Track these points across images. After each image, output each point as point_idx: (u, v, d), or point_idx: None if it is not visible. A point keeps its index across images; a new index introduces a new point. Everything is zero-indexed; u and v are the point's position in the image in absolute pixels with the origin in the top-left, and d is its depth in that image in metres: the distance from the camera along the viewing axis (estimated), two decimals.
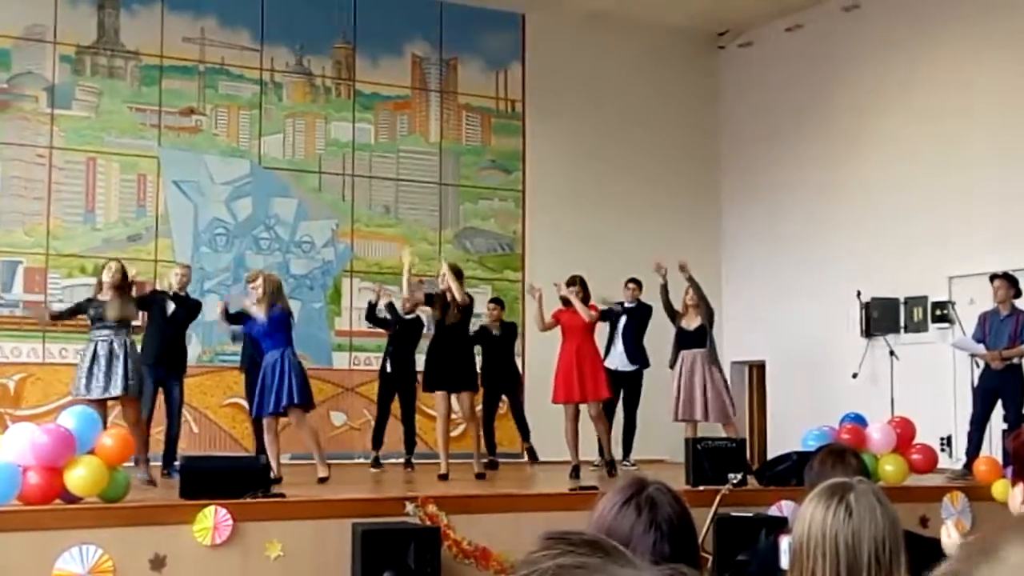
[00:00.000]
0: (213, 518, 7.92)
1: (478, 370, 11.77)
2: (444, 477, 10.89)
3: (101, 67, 14.05)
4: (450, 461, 11.05)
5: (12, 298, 13.37)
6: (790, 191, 15.73)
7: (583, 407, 11.73)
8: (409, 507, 8.58)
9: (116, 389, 9.86)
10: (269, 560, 8.07)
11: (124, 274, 10.44)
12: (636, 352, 13.22)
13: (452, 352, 11.05)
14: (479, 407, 12.44)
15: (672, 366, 12.41)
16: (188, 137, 14.35)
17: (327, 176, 14.96)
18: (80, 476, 7.78)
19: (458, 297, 11.06)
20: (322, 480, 10.21)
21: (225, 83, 14.61)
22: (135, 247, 13.77)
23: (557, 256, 15.15)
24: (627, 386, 13.17)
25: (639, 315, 13.34)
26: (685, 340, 12.35)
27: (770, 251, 15.92)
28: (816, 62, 15.51)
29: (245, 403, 12.53)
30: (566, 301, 11.75)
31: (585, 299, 11.69)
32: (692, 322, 12.35)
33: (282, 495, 8.67)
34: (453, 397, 11.19)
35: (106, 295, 10.27)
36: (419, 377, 12.04)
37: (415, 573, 7.99)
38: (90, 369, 9.91)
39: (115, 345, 9.97)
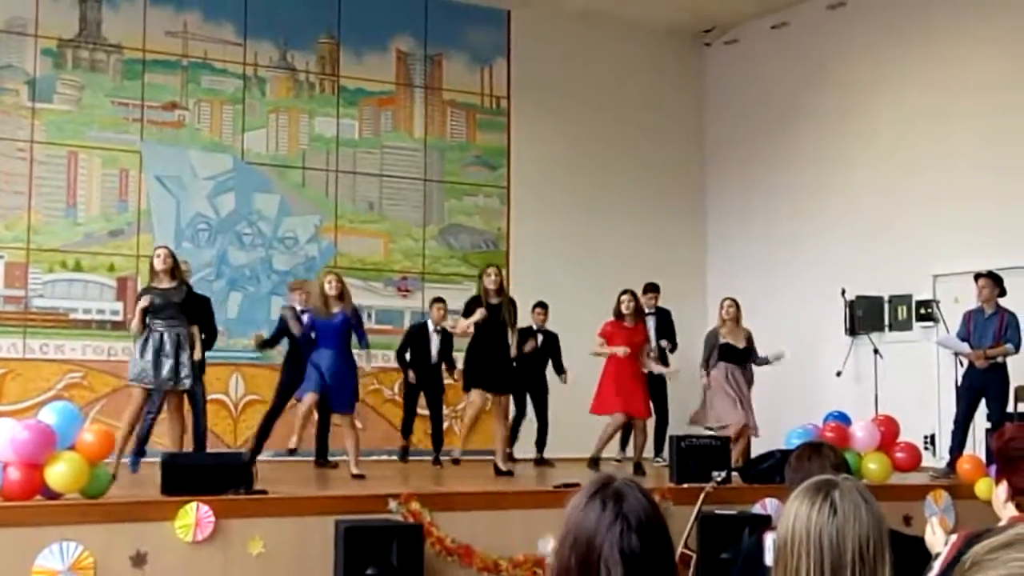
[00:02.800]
0: (195, 514, 7.88)
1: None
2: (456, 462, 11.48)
3: (83, 61, 13.97)
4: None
5: None
6: (775, 189, 15.74)
7: None
8: (392, 504, 8.55)
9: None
10: (251, 557, 8.03)
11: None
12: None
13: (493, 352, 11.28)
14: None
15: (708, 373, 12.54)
16: (171, 132, 14.28)
17: (311, 172, 14.91)
18: (61, 472, 7.72)
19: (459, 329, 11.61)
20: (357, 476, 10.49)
21: (208, 77, 14.55)
22: (117, 242, 13.71)
23: (541, 253, 15.18)
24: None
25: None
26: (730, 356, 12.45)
27: (755, 249, 15.92)
28: (802, 60, 15.52)
29: (228, 400, 12.55)
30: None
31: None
32: (740, 340, 12.46)
33: (264, 492, 8.62)
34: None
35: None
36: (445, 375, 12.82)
37: (398, 570, 7.96)
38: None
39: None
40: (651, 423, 12.96)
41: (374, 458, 12.66)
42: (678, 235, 16.49)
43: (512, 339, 11.46)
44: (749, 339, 12.63)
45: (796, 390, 14.25)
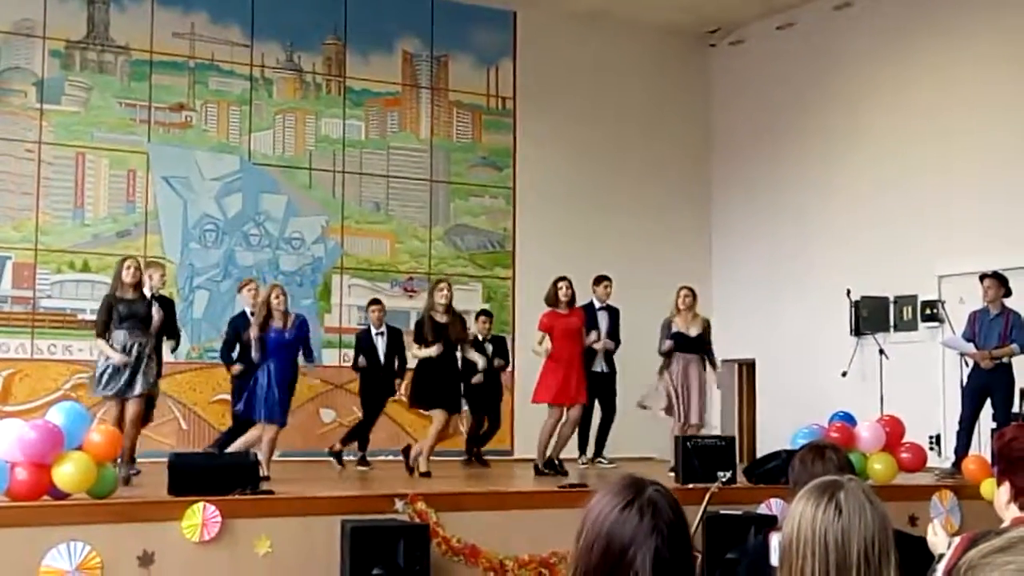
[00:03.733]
0: (202, 515, 7.90)
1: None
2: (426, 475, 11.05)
3: (91, 62, 14.01)
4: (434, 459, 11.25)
5: (0, 294, 13.33)
6: (781, 189, 15.74)
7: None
8: (398, 504, 8.58)
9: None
10: (258, 557, 8.05)
11: None
12: None
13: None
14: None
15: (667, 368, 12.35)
16: (178, 133, 14.31)
17: (317, 172, 14.93)
18: (68, 472, 7.76)
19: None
20: None
21: (215, 79, 14.58)
22: (124, 243, 13.72)
23: (547, 253, 15.17)
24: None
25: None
26: (685, 345, 12.31)
27: (760, 249, 15.92)
28: (807, 60, 15.52)
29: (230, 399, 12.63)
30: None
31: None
32: (692, 328, 12.30)
33: (271, 492, 8.65)
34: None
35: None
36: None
37: (404, 570, 7.98)
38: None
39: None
40: (596, 421, 12.93)
41: (380, 458, 12.68)
42: (683, 235, 16.49)
43: (473, 357, 11.72)
44: (705, 328, 12.42)
45: (801, 390, 14.25)
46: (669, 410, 12.11)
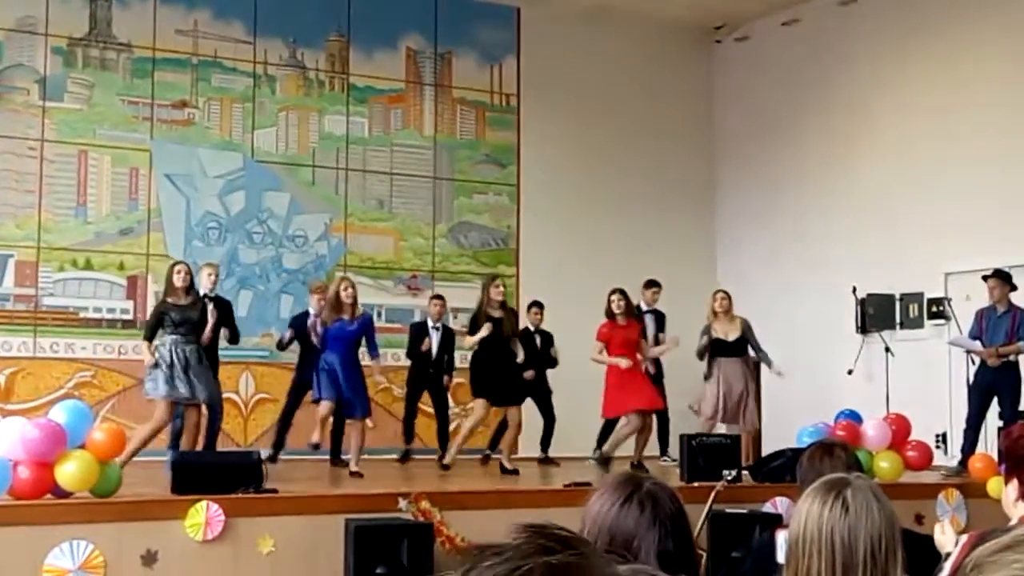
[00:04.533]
0: (205, 513, 7.88)
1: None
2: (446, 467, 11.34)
3: (93, 59, 13.98)
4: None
5: (2, 291, 13.31)
6: (786, 186, 15.70)
7: None
8: (402, 503, 8.55)
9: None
10: (261, 555, 8.03)
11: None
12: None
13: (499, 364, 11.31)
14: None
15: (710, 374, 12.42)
16: (181, 130, 14.29)
17: (320, 170, 14.91)
18: (71, 471, 7.73)
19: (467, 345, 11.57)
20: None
21: (218, 76, 14.56)
22: (127, 241, 13.72)
23: (551, 251, 15.17)
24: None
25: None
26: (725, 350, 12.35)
27: (765, 247, 15.89)
28: (813, 57, 15.49)
29: (238, 397, 12.63)
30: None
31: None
32: (731, 332, 12.36)
33: (275, 490, 8.63)
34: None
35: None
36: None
37: (408, 569, 7.95)
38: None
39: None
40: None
41: (383, 457, 12.65)
42: (688, 233, 16.46)
43: (516, 349, 11.48)
44: (745, 330, 12.48)
45: (807, 389, 14.21)
46: (715, 416, 12.20)
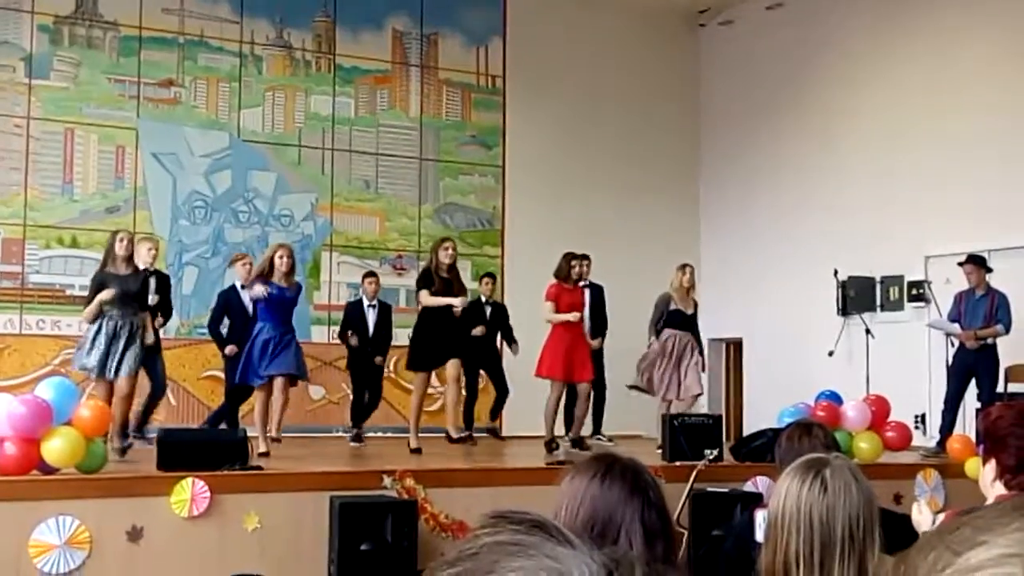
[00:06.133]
0: (191, 490, 7.92)
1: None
2: (417, 451, 10.83)
3: (79, 37, 13.97)
4: (422, 436, 11.06)
5: None
6: (769, 169, 15.78)
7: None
8: (387, 480, 8.60)
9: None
10: (247, 532, 8.08)
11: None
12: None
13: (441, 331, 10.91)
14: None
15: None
16: (167, 109, 14.30)
17: (307, 150, 14.93)
18: (57, 447, 7.76)
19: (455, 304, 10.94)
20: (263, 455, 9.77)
21: (204, 55, 14.55)
22: (113, 219, 13.70)
23: (536, 232, 15.20)
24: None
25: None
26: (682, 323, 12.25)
27: (749, 229, 15.97)
28: (797, 40, 15.54)
29: (222, 375, 12.61)
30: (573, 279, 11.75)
31: None
32: (689, 306, 12.28)
33: (260, 468, 8.68)
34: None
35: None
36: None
37: (392, 546, 8.02)
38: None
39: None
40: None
41: (371, 435, 12.69)
42: (672, 214, 16.53)
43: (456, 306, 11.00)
44: (696, 307, 12.40)
45: (788, 369, 14.32)
46: (650, 385, 12.09)
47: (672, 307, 12.14)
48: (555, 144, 15.93)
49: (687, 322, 12.17)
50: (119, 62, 14.11)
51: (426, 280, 10.94)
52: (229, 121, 14.56)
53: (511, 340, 13.37)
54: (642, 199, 16.20)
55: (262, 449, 9.65)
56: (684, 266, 12.31)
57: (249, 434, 9.24)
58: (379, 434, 12.86)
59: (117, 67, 14.10)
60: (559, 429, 12.46)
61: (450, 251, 10.97)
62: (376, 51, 15.39)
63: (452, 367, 10.86)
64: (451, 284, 10.91)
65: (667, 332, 12.09)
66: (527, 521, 1.07)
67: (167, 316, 11.54)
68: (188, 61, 14.44)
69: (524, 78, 15.92)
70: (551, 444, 11.55)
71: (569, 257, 11.77)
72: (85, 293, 13.24)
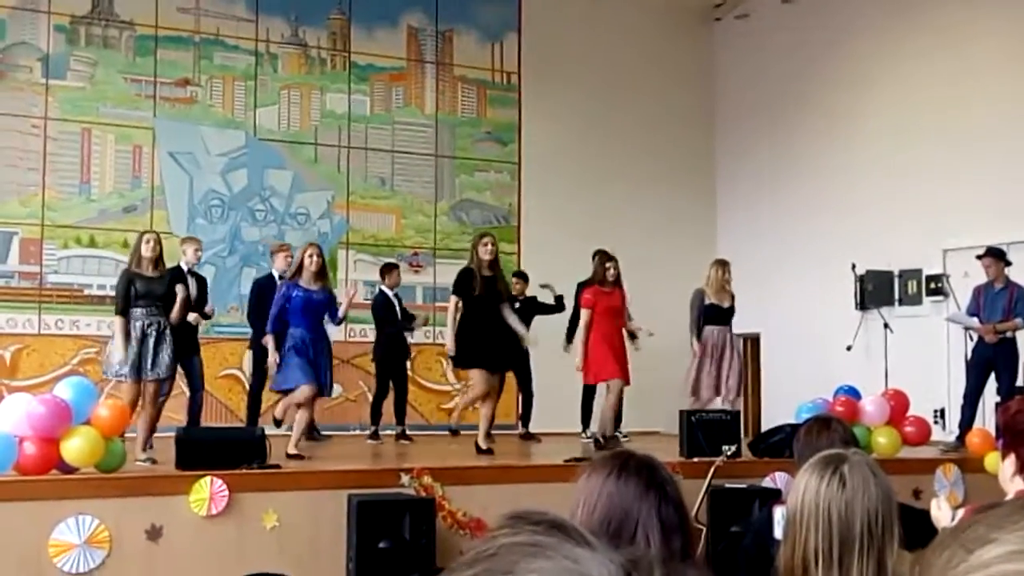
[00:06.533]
0: (209, 489, 7.94)
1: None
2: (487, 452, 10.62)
3: (96, 37, 14.01)
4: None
5: (7, 269, 13.37)
6: (785, 163, 15.74)
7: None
8: (404, 478, 8.60)
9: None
10: (265, 530, 8.10)
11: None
12: None
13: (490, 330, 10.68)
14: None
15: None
16: (183, 108, 14.33)
17: (322, 148, 14.95)
18: (76, 446, 7.79)
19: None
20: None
21: (220, 54, 14.58)
22: (131, 218, 13.76)
23: (552, 228, 15.20)
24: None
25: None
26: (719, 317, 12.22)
27: (765, 223, 15.93)
28: (812, 34, 15.49)
29: (242, 374, 12.61)
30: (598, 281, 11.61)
31: None
32: (725, 299, 12.24)
33: (278, 466, 8.69)
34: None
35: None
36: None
37: (410, 544, 8.02)
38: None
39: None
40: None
41: (387, 432, 12.71)
42: (688, 209, 16.51)
43: (509, 318, 10.87)
44: (733, 298, 12.35)
45: (806, 364, 14.28)
46: (697, 388, 11.96)
47: (707, 302, 12.12)
48: (571, 140, 15.91)
49: (723, 316, 12.15)
50: (135, 61, 14.15)
51: (466, 281, 10.63)
52: (245, 120, 14.59)
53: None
54: (657, 194, 16.18)
55: (292, 451, 9.60)
56: (721, 262, 12.31)
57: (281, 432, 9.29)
58: (390, 432, 12.85)
59: (133, 66, 14.13)
60: (575, 426, 12.50)
61: (490, 247, 10.63)
62: (391, 48, 15.39)
63: (496, 380, 10.72)
64: (494, 283, 10.65)
65: (706, 330, 12.08)
66: (546, 522, 1.07)
67: (206, 317, 11.51)
68: (204, 60, 14.47)
69: (539, 74, 15.91)
70: (602, 440, 11.32)
71: (603, 259, 11.67)
72: (103, 293, 13.42)
